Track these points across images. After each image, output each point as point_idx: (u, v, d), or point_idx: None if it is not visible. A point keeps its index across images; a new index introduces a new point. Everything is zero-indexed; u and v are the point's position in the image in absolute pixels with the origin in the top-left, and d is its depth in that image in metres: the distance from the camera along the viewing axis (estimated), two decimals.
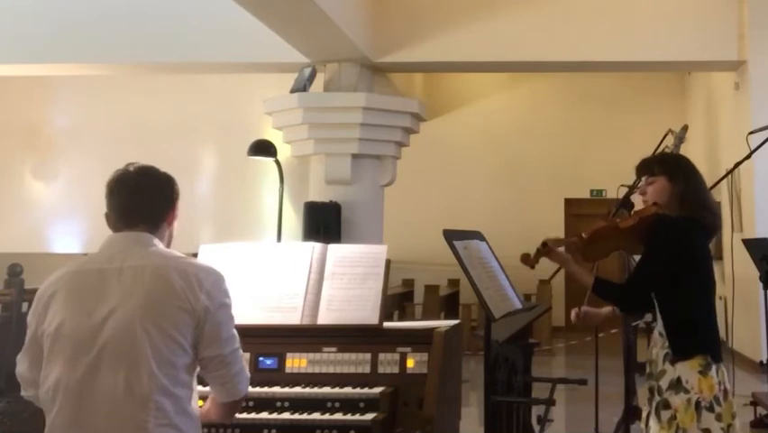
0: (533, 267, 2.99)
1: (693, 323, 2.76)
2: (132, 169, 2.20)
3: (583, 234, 2.91)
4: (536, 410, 4.17)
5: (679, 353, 2.73)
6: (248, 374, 2.23)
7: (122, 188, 2.17)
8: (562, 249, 2.97)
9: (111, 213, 2.18)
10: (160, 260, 2.12)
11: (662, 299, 2.81)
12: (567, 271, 3.03)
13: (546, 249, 2.90)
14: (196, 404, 2.17)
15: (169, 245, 2.25)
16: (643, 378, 2.99)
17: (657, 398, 2.75)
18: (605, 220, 3.04)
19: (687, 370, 2.70)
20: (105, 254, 2.13)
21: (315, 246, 3.03)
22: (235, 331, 2.18)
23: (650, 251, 2.83)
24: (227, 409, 2.25)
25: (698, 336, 2.75)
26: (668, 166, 2.92)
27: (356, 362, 2.81)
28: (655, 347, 2.83)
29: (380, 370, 2.79)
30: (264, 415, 2.65)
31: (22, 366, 2.14)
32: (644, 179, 2.96)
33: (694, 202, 2.82)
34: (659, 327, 2.83)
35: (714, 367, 2.72)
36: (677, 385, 2.70)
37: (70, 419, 1.99)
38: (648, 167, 2.95)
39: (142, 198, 2.18)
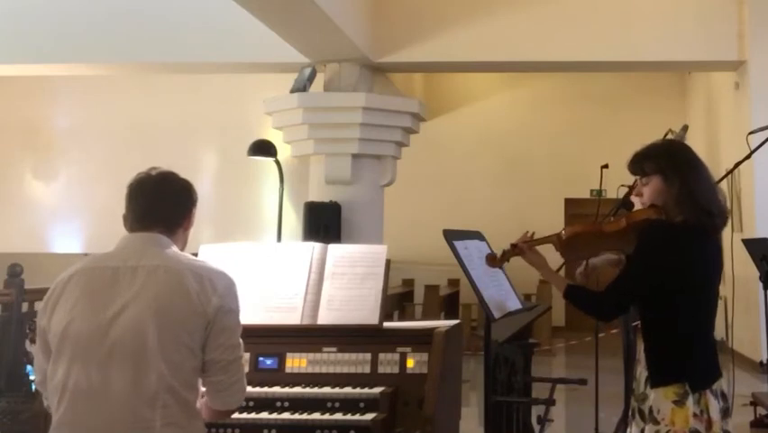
0: (500, 267, 2.92)
1: (674, 346, 2.46)
2: (153, 174, 2.24)
3: (562, 233, 2.68)
4: (536, 410, 4.17)
5: (656, 378, 2.47)
6: (245, 386, 2.21)
7: (142, 192, 2.21)
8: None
9: (129, 215, 2.21)
10: (174, 261, 2.13)
11: (642, 315, 2.55)
12: (540, 273, 2.78)
13: (515, 250, 2.71)
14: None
15: (183, 249, 2.27)
16: None
17: (641, 423, 2.50)
18: (589, 223, 2.79)
19: (660, 399, 2.44)
20: (121, 253, 2.15)
21: (315, 246, 3.03)
22: (240, 340, 2.18)
23: (635, 260, 2.53)
24: (217, 415, 2.25)
25: (677, 361, 2.46)
26: (661, 163, 2.54)
27: (356, 362, 2.81)
28: (639, 365, 2.57)
29: (380, 370, 2.79)
30: (264, 415, 2.65)
31: (42, 374, 2.13)
32: (637, 179, 2.63)
33: (691, 204, 2.48)
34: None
35: (692, 397, 2.42)
36: (650, 415, 2.46)
37: (77, 416, 2.00)
38: (639, 166, 2.60)
39: (162, 204, 2.22)
